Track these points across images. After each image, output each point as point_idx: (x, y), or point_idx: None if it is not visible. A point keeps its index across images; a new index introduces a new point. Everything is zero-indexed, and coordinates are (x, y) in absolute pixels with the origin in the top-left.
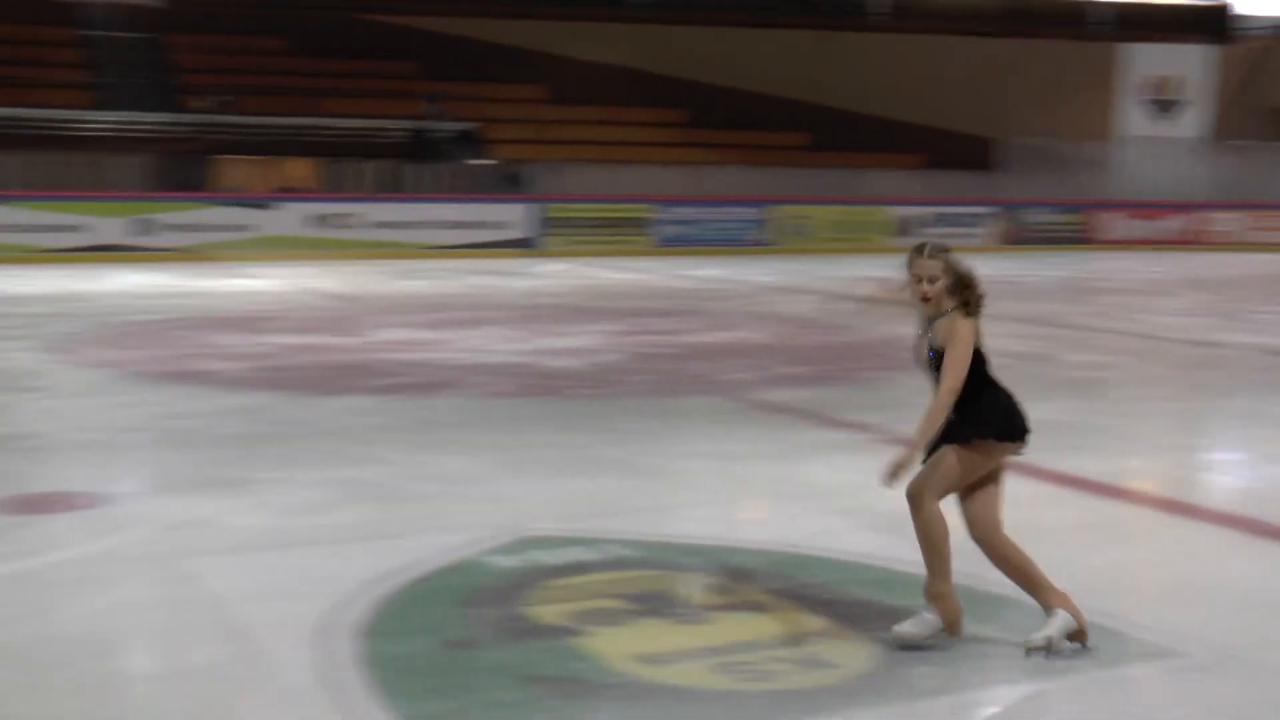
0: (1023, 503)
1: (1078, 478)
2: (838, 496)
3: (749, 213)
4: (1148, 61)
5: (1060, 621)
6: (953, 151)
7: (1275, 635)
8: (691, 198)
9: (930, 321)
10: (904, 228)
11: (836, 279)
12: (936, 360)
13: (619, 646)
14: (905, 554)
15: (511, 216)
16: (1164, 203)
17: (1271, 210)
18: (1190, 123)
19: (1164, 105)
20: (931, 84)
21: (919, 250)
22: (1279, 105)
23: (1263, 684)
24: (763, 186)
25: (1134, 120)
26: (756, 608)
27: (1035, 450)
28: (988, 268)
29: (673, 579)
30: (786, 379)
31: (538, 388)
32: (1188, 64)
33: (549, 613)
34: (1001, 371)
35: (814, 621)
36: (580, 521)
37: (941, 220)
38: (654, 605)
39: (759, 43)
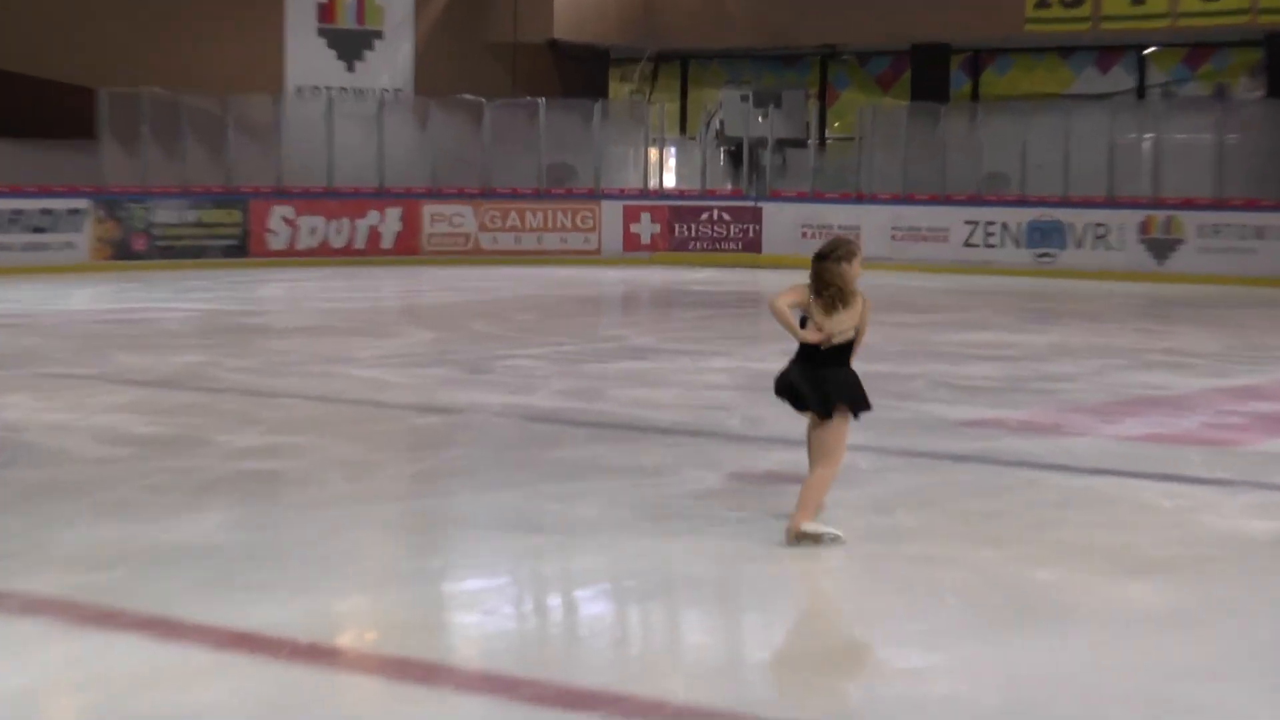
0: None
1: (247, 634)
2: None
3: None
4: None
5: (814, 526)
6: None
7: None
8: None
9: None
10: None
11: None
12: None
13: None
14: None
15: None
16: (352, 191)
17: (507, 200)
18: (393, 70)
19: (352, 41)
20: None
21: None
22: (508, 43)
23: None
24: None
25: (311, 65)
26: None
27: (174, 598)
28: (66, 302)
29: None
30: None
31: None
32: None
33: None
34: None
35: None
36: None
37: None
38: None
39: None
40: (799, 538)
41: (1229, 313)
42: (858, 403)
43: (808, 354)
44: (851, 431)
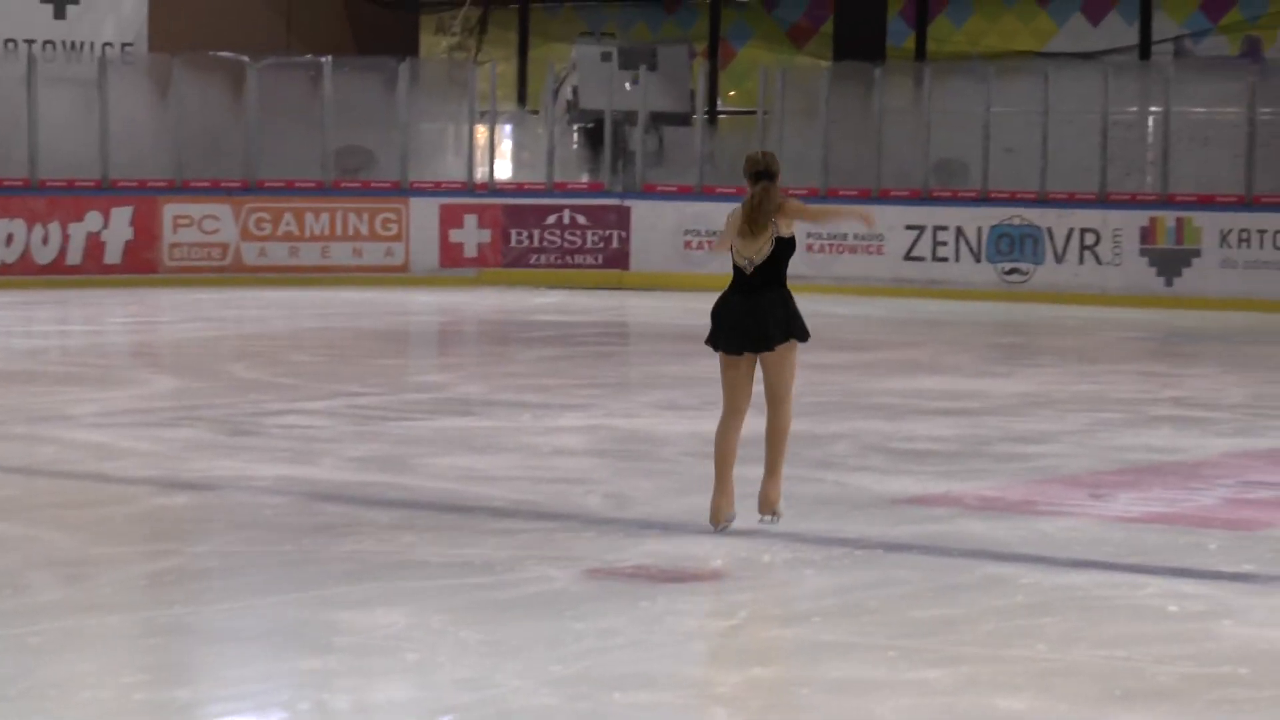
0: None
1: None
2: None
3: None
4: None
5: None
6: None
7: None
8: None
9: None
10: None
11: None
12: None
13: None
14: None
15: None
16: (64, 184)
17: (279, 197)
18: (119, 18)
19: None
20: None
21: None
22: None
23: None
24: None
25: (2, 9)
26: None
27: None
28: None
29: None
30: None
31: None
32: None
33: None
34: None
35: None
36: None
37: None
38: None
39: None
40: (776, 513)
41: (1258, 350)
42: (802, 330)
43: (741, 283)
44: (747, 513)
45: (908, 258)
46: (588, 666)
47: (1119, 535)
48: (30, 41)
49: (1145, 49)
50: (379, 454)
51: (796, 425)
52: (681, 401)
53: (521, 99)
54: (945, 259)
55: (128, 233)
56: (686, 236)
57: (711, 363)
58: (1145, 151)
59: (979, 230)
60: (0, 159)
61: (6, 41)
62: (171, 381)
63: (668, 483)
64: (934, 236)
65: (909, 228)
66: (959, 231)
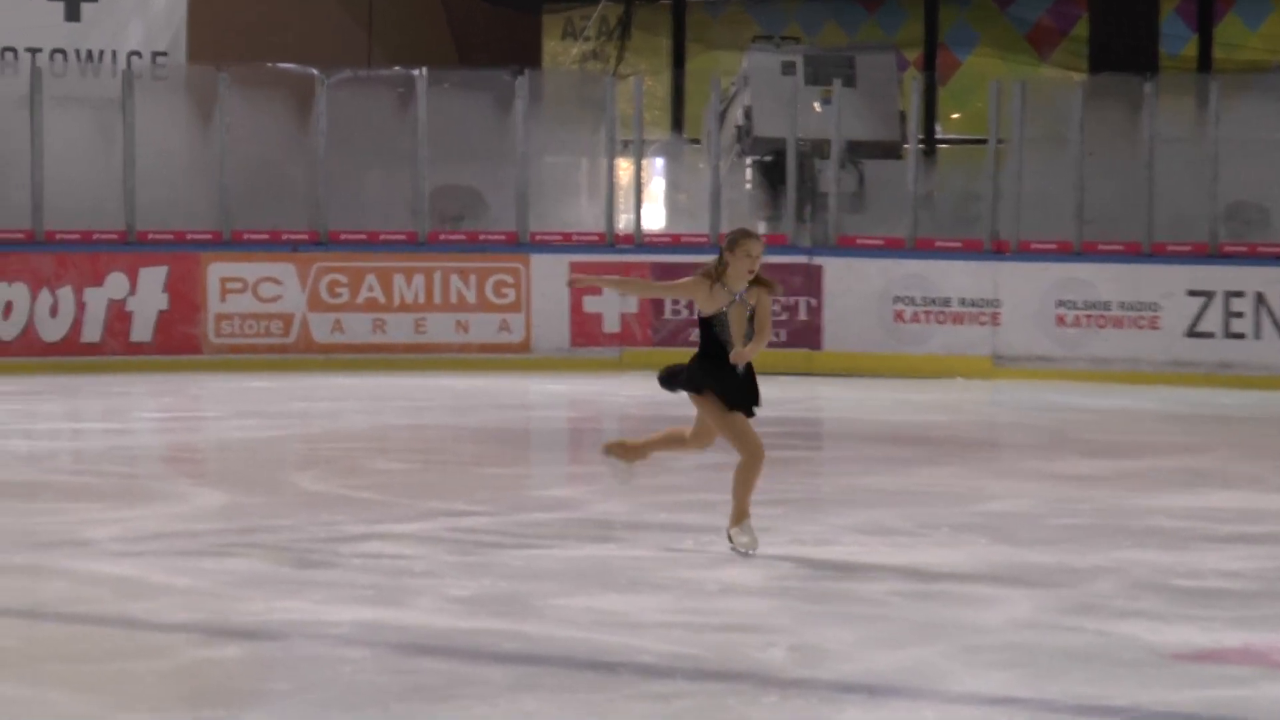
0: None
1: None
2: None
3: None
4: None
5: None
6: None
7: None
8: None
9: (738, 293)
10: None
11: None
12: (751, 317)
13: None
14: None
15: None
16: (79, 237)
17: (357, 253)
18: (148, 20)
19: None
20: None
21: (754, 235)
22: None
23: None
24: None
25: (6, 13)
26: None
27: None
28: None
29: None
30: None
31: None
32: None
33: None
34: None
35: None
36: None
37: None
38: None
39: None
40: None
41: None
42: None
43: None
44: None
45: (1190, 333)
46: None
47: None
48: (35, 51)
49: None
50: (491, 593)
51: (1037, 553)
52: (890, 524)
53: (677, 124)
54: (1240, 335)
55: (160, 301)
56: (897, 305)
57: (928, 476)
58: None
59: None
60: None
61: (4, 50)
62: (218, 496)
63: (873, 631)
64: (1225, 305)
65: (1191, 294)
66: (1259, 298)
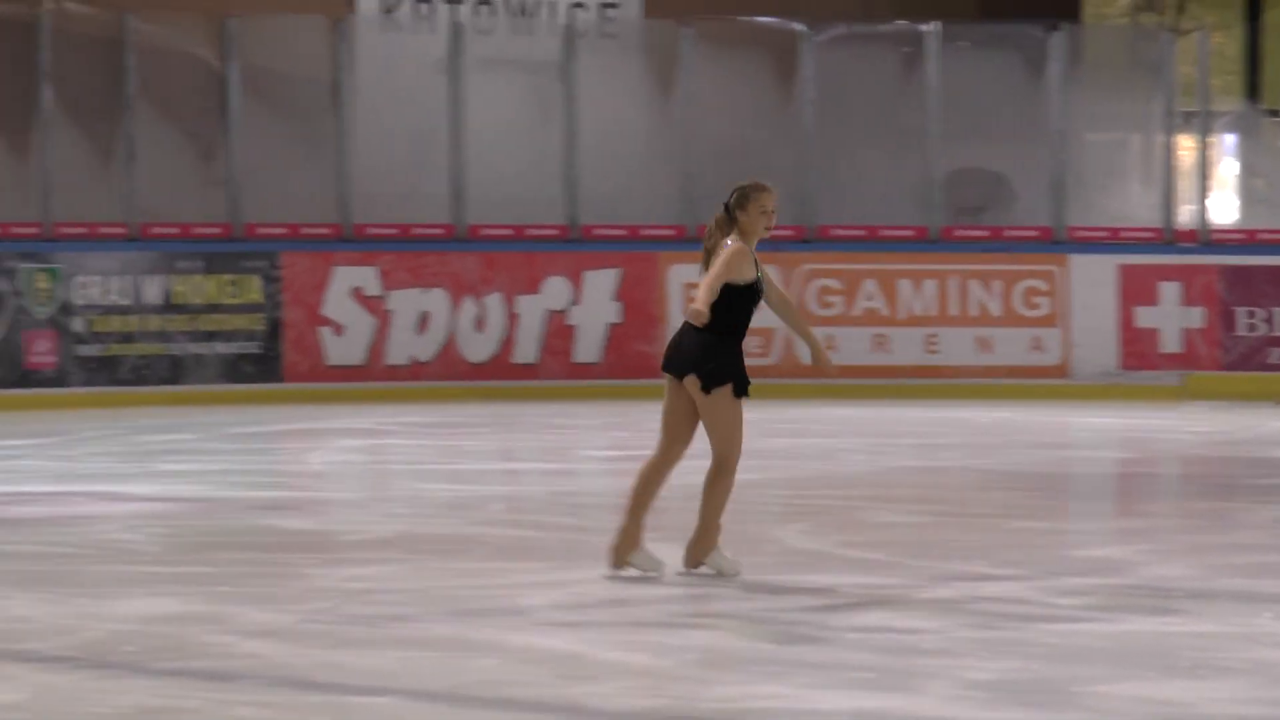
0: None
1: None
2: None
3: None
4: None
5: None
6: None
7: None
8: None
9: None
10: None
11: None
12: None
13: None
14: None
15: None
16: (509, 232)
17: (851, 254)
18: None
19: None
20: None
21: (765, 186)
22: None
23: None
24: None
25: None
26: None
27: None
28: None
29: None
30: None
31: None
32: None
33: None
34: None
35: None
36: None
37: None
38: None
39: None
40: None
41: None
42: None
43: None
44: None
45: None
46: None
47: None
48: (455, 2)
49: None
50: (1020, 677)
51: None
52: None
53: (1252, 92)
54: None
55: (610, 311)
56: None
57: None
58: None
59: None
60: (384, 198)
61: (418, 1)
62: (679, 553)
63: None
64: None
65: None
66: None
